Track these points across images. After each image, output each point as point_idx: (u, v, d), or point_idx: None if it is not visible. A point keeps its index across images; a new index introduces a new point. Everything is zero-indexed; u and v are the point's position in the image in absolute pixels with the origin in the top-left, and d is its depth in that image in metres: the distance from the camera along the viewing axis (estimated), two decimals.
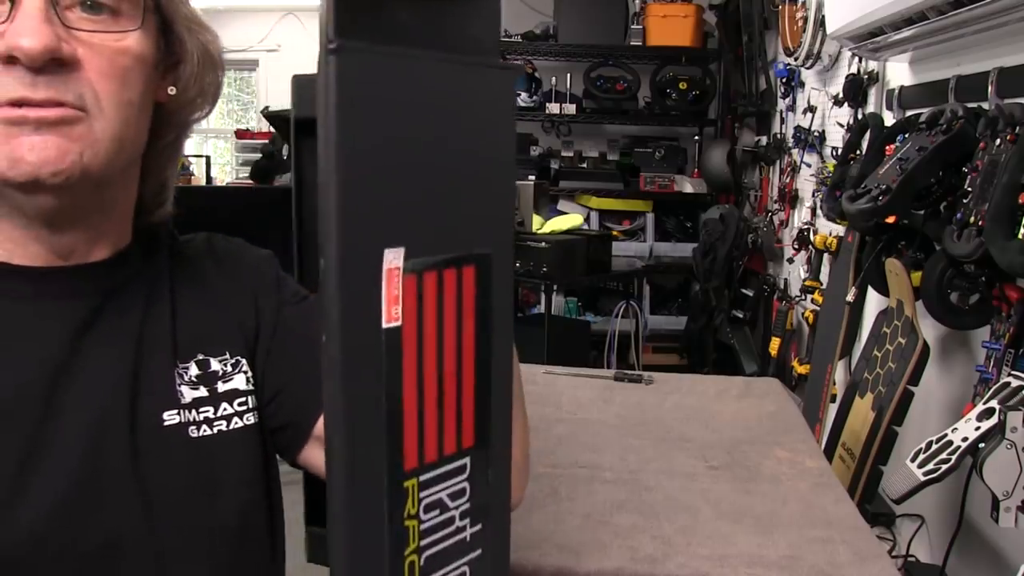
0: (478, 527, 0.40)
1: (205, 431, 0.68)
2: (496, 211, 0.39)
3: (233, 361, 0.72)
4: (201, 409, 0.69)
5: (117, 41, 0.62)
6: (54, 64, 0.58)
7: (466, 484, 0.39)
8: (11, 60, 0.57)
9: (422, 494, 0.37)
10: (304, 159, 1.13)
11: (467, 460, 0.39)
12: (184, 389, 0.68)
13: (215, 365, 0.71)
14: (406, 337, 0.35)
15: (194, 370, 0.69)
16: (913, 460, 1.33)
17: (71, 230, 0.65)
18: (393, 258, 0.34)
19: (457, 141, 0.36)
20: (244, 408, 0.71)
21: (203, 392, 0.69)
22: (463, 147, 0.37)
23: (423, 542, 0.37)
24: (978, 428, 1.24)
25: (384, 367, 0.34)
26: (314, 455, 0.75)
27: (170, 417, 0.67)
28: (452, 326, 0.37)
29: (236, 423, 0.70)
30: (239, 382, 0.71)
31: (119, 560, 0.64)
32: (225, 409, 0.70)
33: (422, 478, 0.37)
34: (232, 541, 0.70)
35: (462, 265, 0.37)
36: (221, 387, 0.70)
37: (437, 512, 0.38)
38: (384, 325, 0.34)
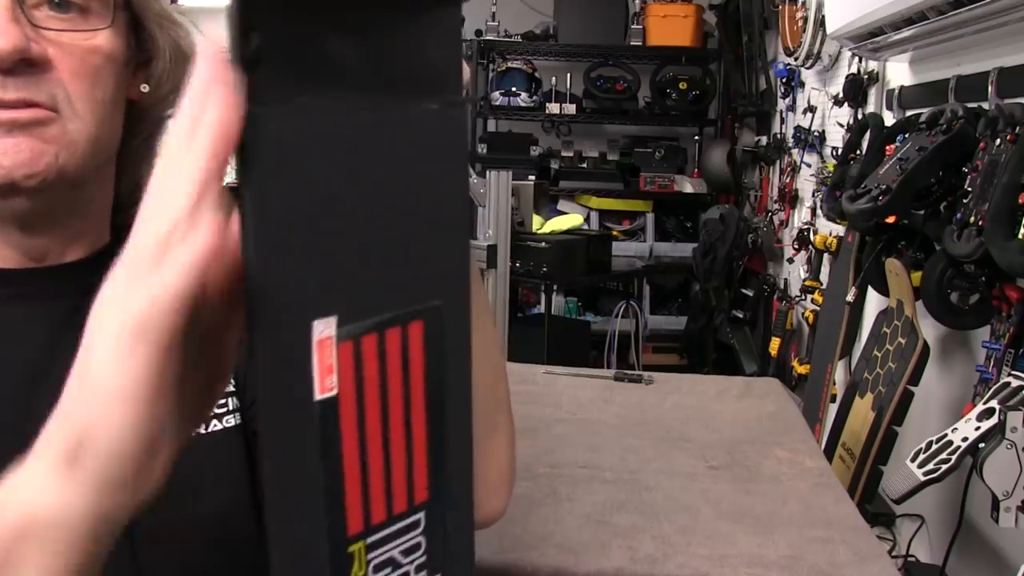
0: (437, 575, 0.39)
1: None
2: (447, 259, 0.37)
3: None
4: None
5: (87, 40, 0.61)
6: (24, 65, 0.57)
7: (421, 539, 0.38)
8: None
9: (370, 555, 0.36)
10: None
11: (421, 515, 0.38)
12: None
13: None
14: (344, 405, 0.33)
15: None
16: (913, 460, 1.33)
17: (45, 232, 0.65)
18: (323, 328, 0.32)
19: (398, 191, 0.34)
20: (224, 409, 0.70)
21: None
22: (405, 196, 0.34)
23: None
24: (978, 428, 1.24)
25: (319, 438, 0.33)
26: None
27: None
28: (398, 386, 0.35)
29: (216, 425, 0.69)
30: None
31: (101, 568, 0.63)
32: None
33: (369, 540, 0.36)
34: (212, 552, 0.69)
35: (408, 322, 0.35)
36: None
37: (388, 570, 0.37)
38: (317, 397, 0.32)
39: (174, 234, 0.33)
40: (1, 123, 0.57)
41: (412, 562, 0.38)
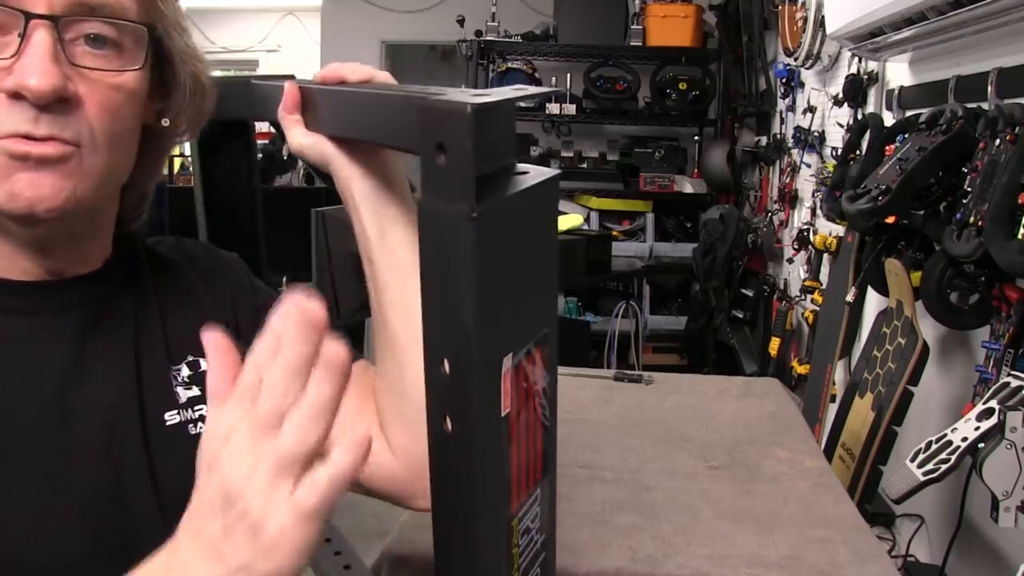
0: (543, 535, 0.51)
1: (202, 428, 0.71)
2: (550, 292, 0.48)
3: None
4: (196, 407, 0.71)
5: (115, 77, 0.63)
6: (58, 102, 0.59)
7: (538, 507, 0.49)
8: (17, 95, 0.58)
9: (520, 526, 0.47)
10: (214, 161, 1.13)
11: (538, 490, 0.49)
12: (179, 390, 0.71)
13: (204, 365, 0.72)
14: (512, 417, 0.43)
15: (185, 371, 0.71)
16: (913, 460, 1.33)
17: (61, 251, 0.67)
18: (508, 362, 0.42)
19: (531, 246, 0.44)
20: None
21: (196, 391, 0.71)
22: (533, 248, 0.45)
23: (520, 561, 0.48)
24: (978, 428, 1.24)
25: (504, 444, 0.43)
26: None
27: (171, 417, 0.69)
28: (531, 394, 0.46)
29: None
30: None
31: (136, 559, 0.65)
32: None
33: (519, 515, 0.47)
34: None
35: (536, 347, 0.46)
36: None
37: (526, 535, 0.48)
38: (503, 413, 0.42)
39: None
40: (32, 158, 0.59)
41: (536, 526, 0.49)
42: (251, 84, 0.76)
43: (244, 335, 0.76)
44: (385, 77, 0.68)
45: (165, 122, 0.71)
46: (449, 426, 0.41)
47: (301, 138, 0.70)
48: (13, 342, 0.63)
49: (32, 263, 0.65)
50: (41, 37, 0.58)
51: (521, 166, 0.44)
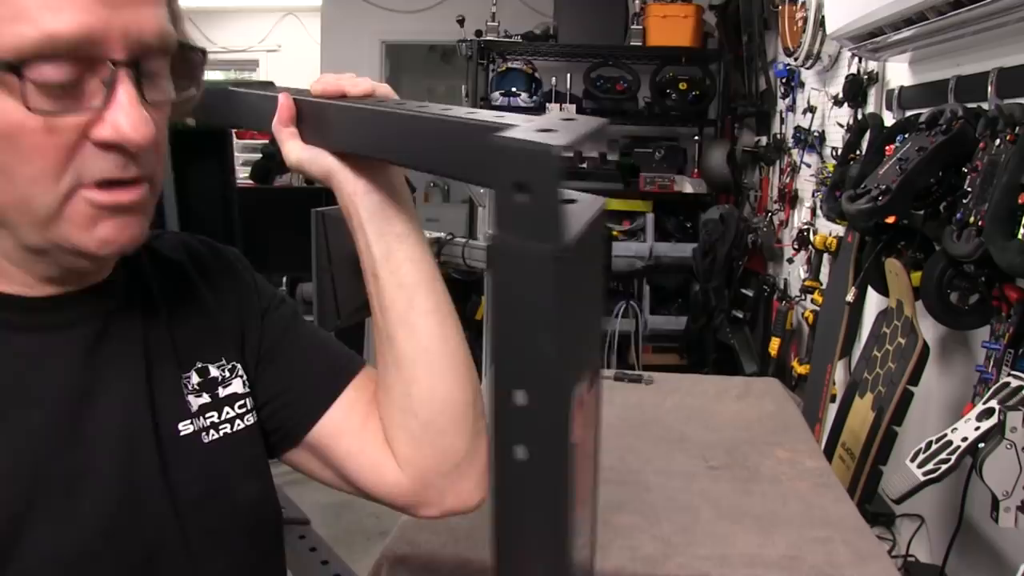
0: (589, 556, 0.53)
1: (214, 435, 0.71)
2: (601, 320, 0.52)
3: (230, 366, 0.74)
4: (207, 415, 0.71)
5: (164, 106, 0.62)
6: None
7: (588, 529, 0.52)
8: (108, 145, 0.57)
9: (577, 552, 0.49)
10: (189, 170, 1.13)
11: (587, 510, 0.51)
12: (191, 398, 0.70)
13: (214, 371, 0.72)
14: (579, 445, 0.45)
15: (195, 378, 0.71)
16: (913, 460, 1.33)
17: (80, 269, 0.66)
18: (577, 392, 0.44)
19: (590, 275, 0.46)
20: (244, 410, 0.73)
21: (206, 399, 0.71)
22: (592, 277, 0.47)
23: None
24: (978, 428, 1.24)
25: (572, 472, 0.44)
26: (302, 459, 0.78)
27: (184, 427, 0.69)
28: (588, 421, 0.48)
29: (239, 424, 0.73)
30: (237, 386, 0.74)
31: (159, 570, 0.66)
32: (228, 412, 0.72)
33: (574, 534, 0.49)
34: (249, 538, 0.73)
35: (592, 380, 0.48)
36: (222, 392, 0.72)
37: (581, 551, 0.50)
38: (572, 441, 0.44)
39: None
40: (123, 207, 0.59)
41: (584, 544, 0.51)
42: (231, 92, 0.74)
43: (249, 341, 0.76)
44: (386, 90, 0.67)
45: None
46: (521, 454, 0.42)
47: (299, 152, 0.68)
48: (24, 359, 0.62)
49: (44, 279, 0.64)
50: (128, 85, 0.57)
51: (567, 192, 0.45)
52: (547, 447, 0.42)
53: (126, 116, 0.56)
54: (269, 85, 0.73)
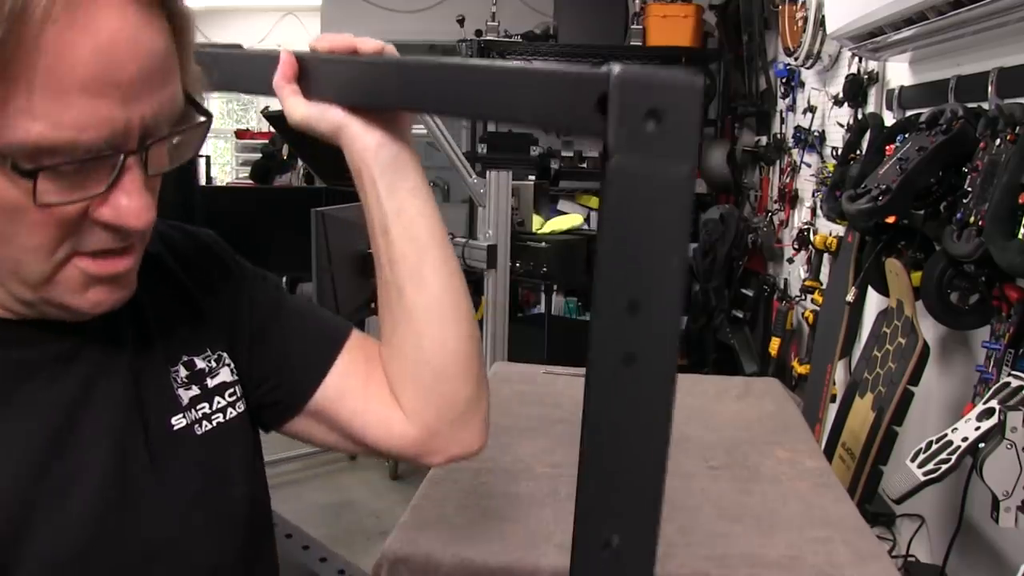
0: None
1: (207, 427, 0.70)
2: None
3: (215, 356, 0.73)
4: (198, 407, 0.70)
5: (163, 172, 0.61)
6: None
7: None
8: (107, 225, 0.56)
9: None
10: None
11: None
12: (180, 392, 0.70)
13: (200, 363, 0.72)
14: None
15: (183, 372, 0.70)
16: (913, 460, 1.33)
17: None
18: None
19: None
20: (234, 398, 0.73)
21: (196, 391, 0.71)
22: None
23: None
24: (978, 428, 1.24)
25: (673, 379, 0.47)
26: (303, 426, 0.78)
27: (177, 421, 0.69)
28: None
29: (231, 413, 0.73)
30: (225, 375, 0.73)
31: (157, 566, 0.66)
32: (219, 403, 0.72)
33: None
34: (246, 528, 0.73)
35: None
36: (210, 383, 0.72)
37: None
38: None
39: None
40: (119, 276, 0.59)
41: None
42: (220, 55, 0.70)
43: (239, 323, 0.75)
44: (392, 49, 0.65)
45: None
46: (628, 364, 0.44)
47: (304, 108, 0.66)
48: (12, 371, 0.61)
49: (22, 306, 0.61)
50: (135, 171, 0.55)
51: None
52: (656, 355, 0.44)
53: (128, 202, 0.55)
54: (237, 47, 0.71)
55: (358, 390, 0.76)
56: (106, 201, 0.55)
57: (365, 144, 0.67)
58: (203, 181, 6.25)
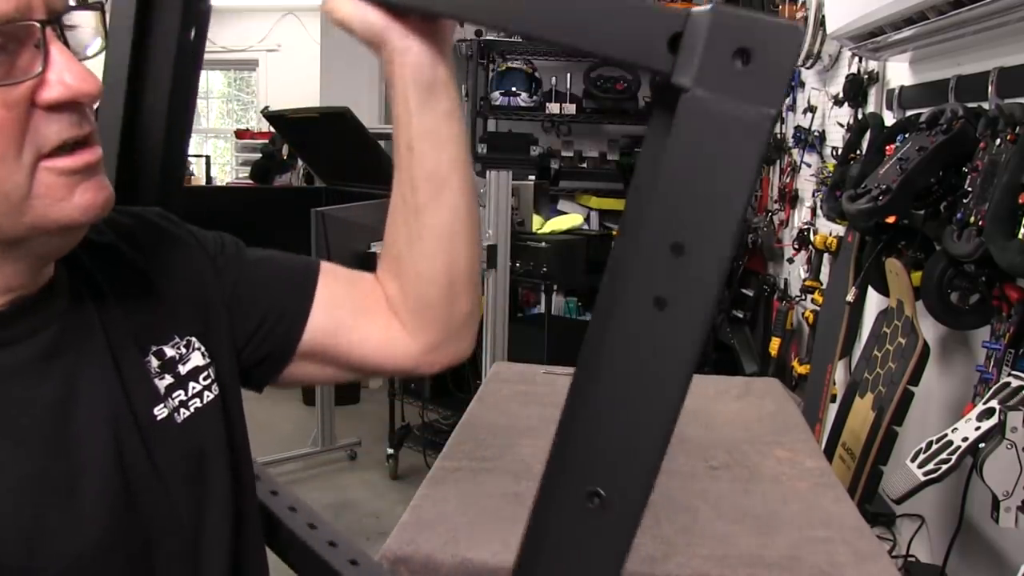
0: None
1: (185, 413, 0.71)
2: None
3: (184, 342, 0.73)
4: (174, 395, 0.71)
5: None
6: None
7: None
8: (58, 106, 0.57)
9: None
10: None
11: None
12: (156, 381, 0.70)
13: (169, 352, 0.72)
14: None
15: (154, 362, 0.70)
16: (913, 460, 1.33)
17: (44, 264, 0.64)
18: None
19: None
20: (208, 381, 0.74)
21: (170, 379, 0.71)
22: None
23: None
24: (978, 428, 1.24)
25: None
26: (300, 370, 0.79)
27: (159, 411, 0.69)
28: None
29: (207, 397, 0.73)
30: (196, 359, 0.73)
31: (159, 554, 0.67)
32: (193, 388, 0.72)
33: None
34: (232, 506, 0.74)
35: None
36: (182, 369, 0.72)
37: None
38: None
39: None
40: (92, 167, 0.59)
41: None
42: None
43: (212, 294, 0.75)
44: None
45: None
46: (661, 308, 0.43)
47: (348, 7, 0.62)
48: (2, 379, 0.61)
49: (18, 260, 0.61)
50: (58, 43, 0.57)
51: None
52: (696, 302, 0.43)
53: (69, 71, 0.56)
54: None
55: (348, 320, 0.78)
56: (47, 82, 0.56)
57: (404, 60, 0.64)
58: (203, 181, 6.26)
